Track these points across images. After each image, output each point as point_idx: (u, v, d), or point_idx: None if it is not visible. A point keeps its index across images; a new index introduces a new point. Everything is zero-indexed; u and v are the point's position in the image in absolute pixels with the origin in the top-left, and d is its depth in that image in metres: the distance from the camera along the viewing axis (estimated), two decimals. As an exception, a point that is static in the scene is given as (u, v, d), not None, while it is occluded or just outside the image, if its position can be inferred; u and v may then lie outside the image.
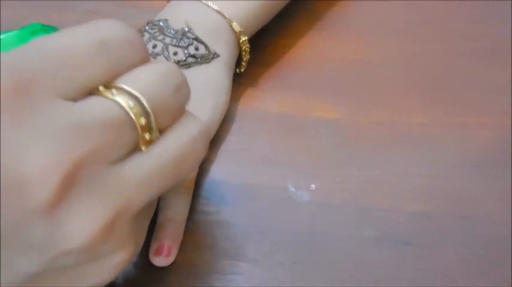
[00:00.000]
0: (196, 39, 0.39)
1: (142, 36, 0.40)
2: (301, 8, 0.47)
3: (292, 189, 0.38)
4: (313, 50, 0.45)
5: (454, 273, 0.35)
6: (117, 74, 0.26)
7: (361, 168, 0.39)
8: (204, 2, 0.40)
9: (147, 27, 0.40)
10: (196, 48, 0.39)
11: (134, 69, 0.27)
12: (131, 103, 0.25)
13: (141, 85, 0.26)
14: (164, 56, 0.39)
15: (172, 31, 0.39)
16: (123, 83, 0.26)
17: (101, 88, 0.26)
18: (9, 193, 0.22)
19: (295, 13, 0.47)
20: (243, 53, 0.42)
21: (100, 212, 0.24)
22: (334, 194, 0.38)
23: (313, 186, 0.39)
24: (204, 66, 0.39)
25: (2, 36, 0.39)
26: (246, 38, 0.41)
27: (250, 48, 0.42)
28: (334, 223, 0.37)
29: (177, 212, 0.36)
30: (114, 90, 0.26)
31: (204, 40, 0.39)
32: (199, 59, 0.39)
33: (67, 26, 0.46)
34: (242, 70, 0.43)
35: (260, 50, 0.44)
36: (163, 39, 0.39)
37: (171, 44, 0.39)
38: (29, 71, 0.24)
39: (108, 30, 0.26)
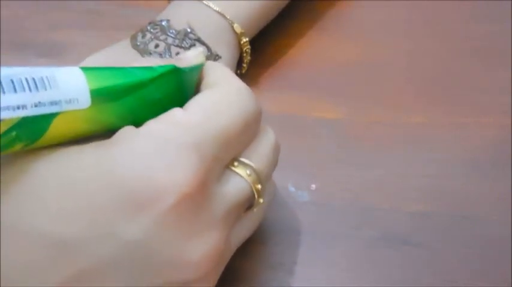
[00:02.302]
0: (199, 40, 0.39)
1: (144, 36, 0.40)
2: (301, 8, 0.47)
3: (292, 189, 0.38)
4: (313, 50, 0.45)
5: (454, 273, 0.35)
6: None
7: (361, 168, 0.39)
8: (205, 2, 0.40)
9: (148, 27, 0.40)
10: None
11: (254, 142, 0.31)
12: (258, 186, 0.30)
13: (262, 162, 0.30)
14: (167, 56, 0.39)
15: (174, 31, 0.39)
16: (251, 160, 0.30)
17: (236, 163, 0.29)
18: (172, 272, 0.26)
19: (295, 13, 0.47)
20: (244, 55, 0.42)
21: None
22: (334, 194, 0.38)
23: (313, 186, 0.39)
24: None
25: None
26: (247, 39, 0.41)
27: (250, 49, 0.42)
28: (334, 223, 0.37)
29: None
30: (245, 168, 0.30)
31: (206, 41, 0.39)
32: None
33: (67, 26, 0.46)
34: (243, 72, 0.43)
35: (260, 50, 0.44)
36: (166, 39, 0.39)
37: (173, 45, 0.39)
38: (209, 161, 0.27)
39: (250, 107, 0.30)
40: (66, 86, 0.24)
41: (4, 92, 0.22)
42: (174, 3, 0.42)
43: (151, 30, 0.40)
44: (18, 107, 0.22)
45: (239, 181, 0.29)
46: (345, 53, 0.45)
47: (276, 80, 0.44)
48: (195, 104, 0.28)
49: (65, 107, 0.24)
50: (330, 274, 0.35)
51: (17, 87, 0.22)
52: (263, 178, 0.30)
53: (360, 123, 0.41)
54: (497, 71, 0.43)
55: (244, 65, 0.42)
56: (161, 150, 0.26)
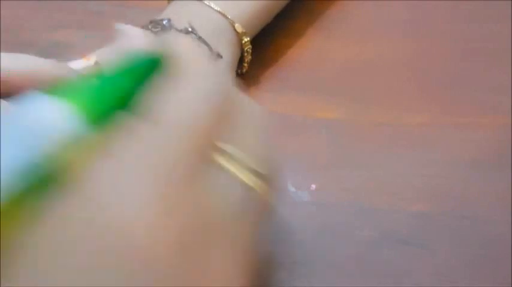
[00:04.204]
0: (200, 39, 0.39)
1: None
2: (301, 8, 0.47)
3: (293, 189, 0.38)
4: (313, 50, 0.45)
5: (454, 273, 0.35)
6: None
7: (361, 168, 0.39)
8: (206, 2, 0.40)
9: (149, 26, 0.40)
10: None
11: None
12: None
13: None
14: None
15: (175, 31, 0.39)
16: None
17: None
18: None
19: (295, 13, 0.47)
20: (245, 54, 0.42)
21: None
22: (335, 194, 0.38)
23: (313, 186, 0.39)
24: None
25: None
26: (249, 39, 0.41)
27: (251, 49, 0.42)
28: (335, 223, 0.37)
29: None
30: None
31: (207, 41, 0.40)
32: None
33: (67, 26, 0.46)
34: (244, 71, 0.43)
35: (260, 50, 0.44)
36: None
37: None
38: None
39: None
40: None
41: None
42: (175, 3, 0.42)
43: (152, 29, 0.40)
44: None
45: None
46: (345, 53, 0.45)
47: (276, 81, 0.44)
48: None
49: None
50: (330, 274, 0.35)
51: None
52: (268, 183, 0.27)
53: (360, 123, 0.41)
54: (497, 71, 0.43)
55: (245, 65, 0.42)
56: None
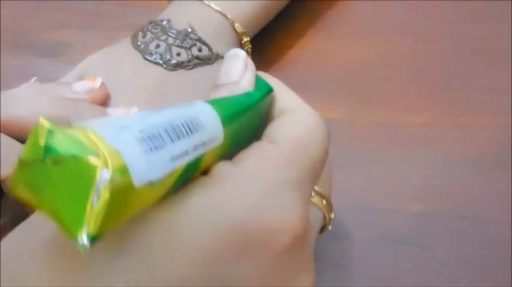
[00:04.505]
0: (199, 40, 0.39)
1: (145, 35, 0.40)
2: (301, 8, 0.47)
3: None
4: (313, 50, 0.45)
5: (454, 273, 0.35)
6: None
7: (361, 168, 0.39)
8: (206, 2, 0.40)
9: (149, 27, 0.40)
10: (199, 50, 0.39)
11: None
12: (331, 215, 0.33)
13: (329, 187, 0.33)
14: (167, 56, 0.39)
15: (175, 31, 0.39)
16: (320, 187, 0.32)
17: (313, 194, 0.31)
18: None
19: (295, 13, 0.47)
20: (245, 54, 0.42)
21: None
22: (334, 194, 0.38)
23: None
24: (207, 67, 0.39)
25: None
26: (248, 39, 0.41)
27: (251, 48, 0.42)
28: (334, 223, 0.37)
29: None
30: (320, 198, 0.32)
31: (207, 41, 0.39)
32: (202, 61, 0.39)
33: (67, 26, 0.46)
34: (243, 71, 0.43)
35: (260, 50, 0.44)
36: (166, 39, 0.39)
37: (174, 45, 0.39)
38: (308, 197, 0.26)
39: (326, 133, 0.28)
40: (208, 126, 0.24)
41: (173, 141, 0.22)
42: (175, 3, 0.42)
43: (152, 30, 0.40)
44: (184, 153, 0.22)
45: (316, 211, 0.31)
46: (345, 53, 0.45)
47: (276, 80, 0.44)
48: (281, 136, 0.27)
49: (209, 146, 0.24)
50: (330, 274, 0.35)
51: (179, 134, 0.22)
52: (331, 205, 0.32)
53: (360, 123, 0.41)
54: (497, 71, 0.44)
55: (245, 64, 0.42)
56: (268, 191, 0.25)
